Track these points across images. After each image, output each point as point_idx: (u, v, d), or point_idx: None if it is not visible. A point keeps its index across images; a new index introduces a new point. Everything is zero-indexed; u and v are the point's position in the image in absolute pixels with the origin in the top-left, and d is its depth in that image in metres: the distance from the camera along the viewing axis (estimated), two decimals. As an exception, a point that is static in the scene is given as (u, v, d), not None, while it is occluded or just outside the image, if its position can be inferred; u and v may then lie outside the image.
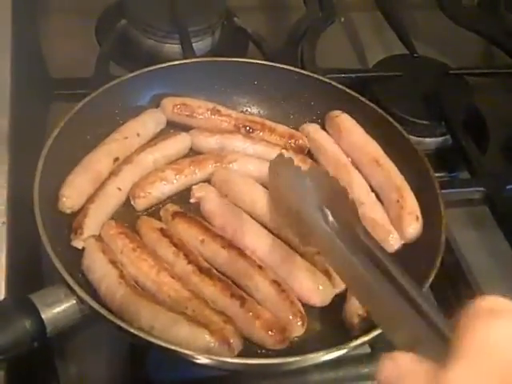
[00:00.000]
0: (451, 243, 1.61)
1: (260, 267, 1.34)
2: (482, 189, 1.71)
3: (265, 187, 1.54)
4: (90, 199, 1.44)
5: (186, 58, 1.83)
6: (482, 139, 1.92)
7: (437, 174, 1.78)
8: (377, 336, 1.22)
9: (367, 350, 1.37)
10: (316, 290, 1.34)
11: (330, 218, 1.15)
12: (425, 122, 1.90)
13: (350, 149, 1.64)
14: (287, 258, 1.37)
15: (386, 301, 0.90)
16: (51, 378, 1.27)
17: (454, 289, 1.51)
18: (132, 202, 1.49)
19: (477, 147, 1.82)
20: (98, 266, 1.30)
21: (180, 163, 1.56)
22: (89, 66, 1.87)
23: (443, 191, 1.61)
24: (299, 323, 1.28)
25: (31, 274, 1.40)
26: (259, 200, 1.50)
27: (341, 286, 1.36)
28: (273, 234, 1.44)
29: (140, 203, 1.48)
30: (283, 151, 1.55)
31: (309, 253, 1.39)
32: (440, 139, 1.91)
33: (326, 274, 1.36)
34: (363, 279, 0.97)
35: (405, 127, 1.79)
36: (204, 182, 1.57)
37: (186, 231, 1.41)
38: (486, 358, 0.69)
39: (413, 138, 1.83)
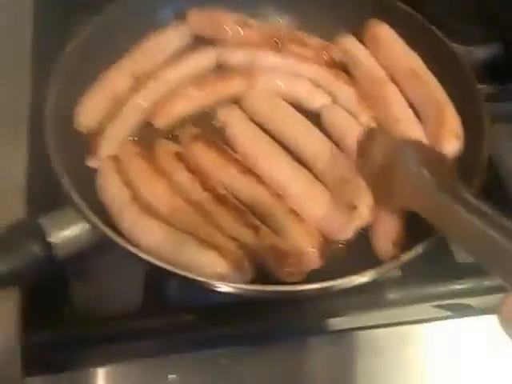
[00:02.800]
0: (498, 160, 1.50)
1: (279, 195, 1.26)
2: (536, 101, 1.57)
3: (293, 106, 1.47)
4: (108, 117, 1.39)
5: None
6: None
7: (487, 86, 1.67)
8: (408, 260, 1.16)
9: (397, 273, 1.30)
10: (338, 222, 1.25)
11: (428, 176, 1.10)
12: (475, 27, 1.75)
13: (388, 61, 1.52)
14: (310, 188, 1.29)
15: (491, 243, 0.91)
16: (66, 301, 1.25)
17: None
18: (152, 121, 1.42)
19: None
20: (110, 186, 1.25)
21: (204, 81, 1.48)
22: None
23: (493, 104, 1.50)
24: (317, 255, 1.21)
25: (52, 196, 1.37)
26: (289, 121, 1.42)
27: (365, 219, 1.27)
28: (299, 161, 1.36)
29: (161, 122, 1.42)
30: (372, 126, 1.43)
31: (334, 183, 1.31)
32: (492, 47, 1.76)
33: (351, 206, 1.26)
34: (467, 226, 0.97)
35: (452, 34, 1.66)
36: (229, 100, 1.49)
37: (205, 155, 1.34)
38: None
39: (461, 48, 1.70)
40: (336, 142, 1.40)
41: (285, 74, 1.51)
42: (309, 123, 1.42)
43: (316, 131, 1.40)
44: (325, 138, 1.39)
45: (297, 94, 1.50)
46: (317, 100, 1.49)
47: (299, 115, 1.44)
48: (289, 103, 1.48)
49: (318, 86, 1.50)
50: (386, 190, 1.20)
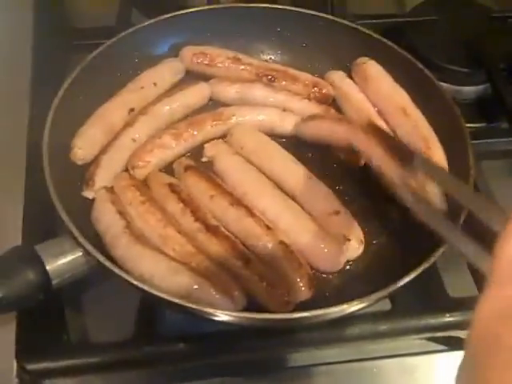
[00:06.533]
0: (486, 195, 1.53)
1: (268, 227, 1.29)
2: (521, 139, 1.61)
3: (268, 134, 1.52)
4: (103, 150, 1.42)
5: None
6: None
7: (476, 125, 1.74)
8: (397, 290, 1.17)
9: (386, 306, 1.32)
10: (326, 255, 1.28)
11: None
12: (464, 70, 1.80)
13: (377, 97, 1.57)
14: (298, 221, 1.32)
15: None
16: (61, 328, 1.27)
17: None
18: (131, 172, 1.42)
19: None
20: (105, 216, 1.28)
21: (177, 127, 1.49)
22: (114, 17, 1.83)
23: (481, 141, 1.55)
24: (306, 287, 1.22)
25: (47, 224, 1.39)
26: (273, 157, 1.46)
27: (354, 253, 1.31)
28: (287, 194, 1.39)
29: (140, 173, 1.42)
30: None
31: (320, 215, 1.33)
32: (480, 87, 1.80)
33: (343, 238, 1.30)
34: None
35: (443, 75, 1.73)
36: (206, 143, 1.51)
37: (197, 186, 1.37)
38: None
39: (451, 87, 1.77)
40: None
41: (254, 109, 1.55)
42: (292, 158, 1.45)
43: (299, 166, 1.43)
44: (308, 173, 1.42)
45: (269, 122, 1.53)
46: (288, 123, 1.53)
47: (282, 150, 1.48)
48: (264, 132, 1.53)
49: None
50: None
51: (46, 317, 1.24)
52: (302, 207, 1.36)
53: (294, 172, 1.42)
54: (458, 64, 1.79)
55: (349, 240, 1.30)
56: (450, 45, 1.85)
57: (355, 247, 1.30)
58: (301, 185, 1.39)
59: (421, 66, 1.55)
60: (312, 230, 1.30)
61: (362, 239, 1.31)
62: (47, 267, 1.16)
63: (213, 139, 1.52)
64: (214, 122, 1.51)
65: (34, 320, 1.21)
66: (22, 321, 1.19)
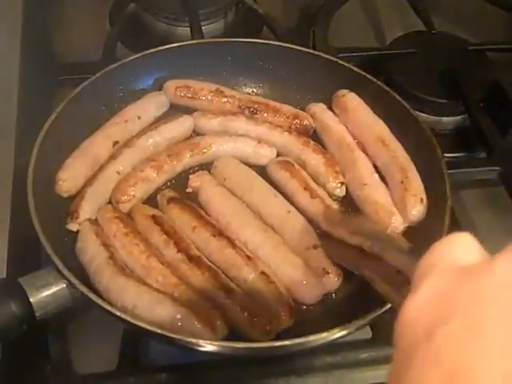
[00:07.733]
0: (465, 224, 1.56)
1: (249, 258, 1.31)
2: (498, 168, 1.64)
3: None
4: (88, 183, 1.44)
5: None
6: (505, 117, 1.84)
7: (455, 154, 1.77)
8: (377, 318, 1.19)
9: (367, 335, 1.33)
10: (304, 286, 1.30)
11: None
12: (443, 101, 1.83)
13: (356, 128, 1.60)
14: (278, 252, 1.34)
15: None
16: (44, 359, 1.27)
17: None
18: (115, 205, 1.43)
19: (499, 126, 1.75)
20: (89, 248, 1.30)
21: (157, 159, 1.50)
22: (100, 52, 1.87)
23: (459, 171, 1.57)
24: (287, 315, 1.24)
25: (31, 256, 1.41)
26: (255, 189, 1.48)
27: (332, 286, 1.33)
28: (267, 225, 1.41)
29: (124, 207, 1.43)
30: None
31: (299, 248, 1.36)
32: (459, 118, 1.84)
33: (319, 270, 1.32)
34: None
35: (422, 106, 1.78)
36: (184, 172, 1.55)
37: (180, 217, 1.40)
38: None
39: (430, 118, 1.81)
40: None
41: (230, 139, 1.58)
42: (273, 190, 1.48)
43: (280, 198, 1.46)
44: (288, 206, 1.44)
45: (244, 152, 1.57)
46: (262, 155, 1.57)
47: (264, 183, 1.50)
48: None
49: (287, 153, 1.58)
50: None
51: (29, 347, 1.26)
52: (283, 239, 1.38)
53: (274, 205, 1.44)
54: (436, 95, 1.83)
55: (328, 273, 1.32)
56: (428, 77, 1.89)
57: (334, 280, 1.32)
58: (280, 218, 1.41)
59: (398, 97, 1.58)
60: (291, 263, 1.32)
61: (341, 272, 1.33)
62: (31, 299, 1.17)
63: (191, 168, 1.55)
64: (193, 152, 1.54)
65: (17, 351, 1.22)
66: (5, 351, 1.20)
